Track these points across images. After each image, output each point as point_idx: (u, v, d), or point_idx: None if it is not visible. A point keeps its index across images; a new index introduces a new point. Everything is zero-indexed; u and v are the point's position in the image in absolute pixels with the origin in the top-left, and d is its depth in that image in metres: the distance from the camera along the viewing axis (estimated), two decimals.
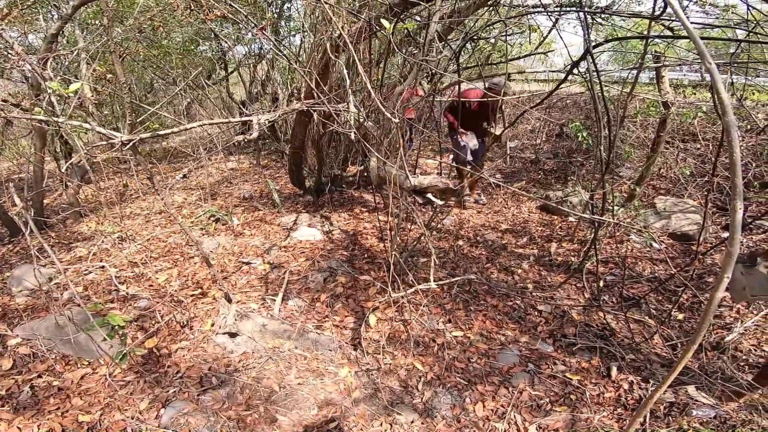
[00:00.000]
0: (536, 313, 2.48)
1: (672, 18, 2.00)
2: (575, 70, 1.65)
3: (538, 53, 3.26)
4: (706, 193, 2.95)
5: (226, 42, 5.54)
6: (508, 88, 3.24)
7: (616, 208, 3.34)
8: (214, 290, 2.60)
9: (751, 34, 1.86)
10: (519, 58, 4.22)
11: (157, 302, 2.42)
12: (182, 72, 5.85)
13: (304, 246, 3.24)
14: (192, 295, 2.56)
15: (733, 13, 2.70)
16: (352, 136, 1.65)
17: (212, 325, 2.32)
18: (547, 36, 2.31)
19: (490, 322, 2.42)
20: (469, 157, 3.76)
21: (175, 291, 2.60)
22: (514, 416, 1.83)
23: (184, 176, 4.67)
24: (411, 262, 2.93)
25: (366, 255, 3.06)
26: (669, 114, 3.09)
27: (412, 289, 1.94)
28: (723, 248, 2.86)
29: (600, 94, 1.99)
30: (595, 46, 1.78)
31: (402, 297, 2.42)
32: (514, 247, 3.25)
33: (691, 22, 1.77)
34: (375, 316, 2.41)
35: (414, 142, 5.96)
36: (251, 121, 1.29)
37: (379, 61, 3.63)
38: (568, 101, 6.05)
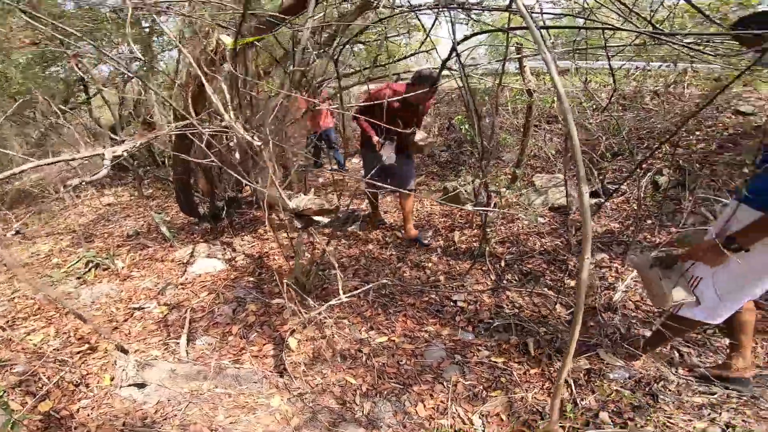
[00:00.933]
0: (452, 303, 2.53)
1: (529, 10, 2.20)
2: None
3: (421, 51, 3.39)
4: (565, 168, 3.34)
5: (80, 62, 4.87)
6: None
7: (503, 190, 3.63)
8: (104, 343, 2.26)
9: (587, 21, 2.10)
10: (405, 57, 4.34)
11: (36, 365, 2.04)
12: (28, 97, 5.00)
13: (205, 279, 2.96)
14: (79, 352, 2.22)
15: (575, 2, 3.04)
16: (237, 155, 1.54)
17: (112, 379, 2.04)
18: (428, 35, 2.39)
19: (411, 321, 2.43)
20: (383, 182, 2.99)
21: (56, 350, 2.23)
22: (456, 409, 1.84)
23: (17, 232, 3.94)
24: (323, 275, 2.86)
25: (276, 277, 2.91)
26: (533, 101, 3.44)
27: (325, 306, 1.88)
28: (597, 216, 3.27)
29: (467, 87, 2.11)
30: (459, 42, 1.88)
31: (318, 314, 2.35)
32: (425, 253, 3.35)
33: (543, 12, 1.96)
34: (295, 339, 2.30)
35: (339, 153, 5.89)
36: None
37: (268, 72, 3.47)
38: (453, 95, 6.46)
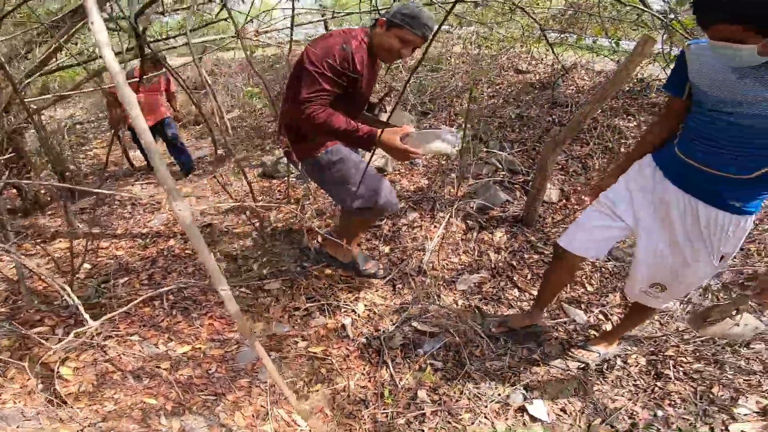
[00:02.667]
0: (265, 293, 2.29)
1: None
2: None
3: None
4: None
5: None
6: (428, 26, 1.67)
7: None
8: None
9: None
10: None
11: None
12: None
13: None
14: None
15: None
16: None
17: None
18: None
19: (219, 323, 2.10)
20: (393, 200, 2.02)
21: None
22: (277, 412, 1.65)
23: None
24: (104, 288, 2.33)
25: (41, 298, 2.27)
26: None
27: (95, 323, 1.47)
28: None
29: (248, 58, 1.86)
30: None
31: (93, 335, 1.90)
32: (235, 226, 3.02)
33: None
34: (69, 367, 1.83)
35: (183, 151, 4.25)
36: None
37: None
38: (265, 64, 5.93)
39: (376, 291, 2.32)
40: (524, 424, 1.65)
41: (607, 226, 1.55)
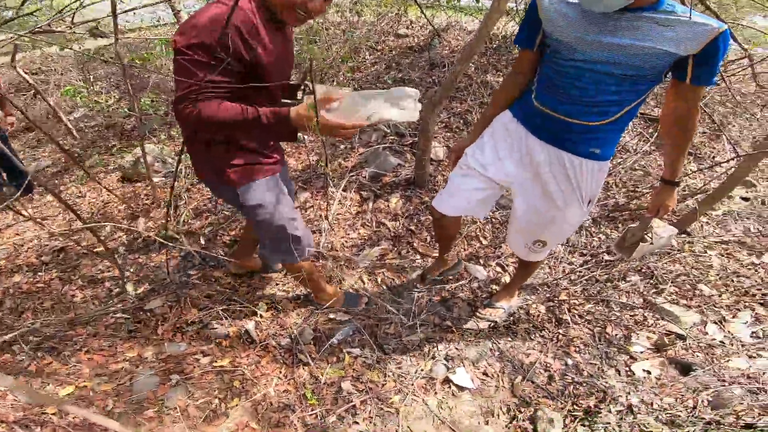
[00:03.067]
0: (148, 314, 1.99)
1: None
2: None
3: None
4: None
5: None
6: None
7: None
8: None
9: None
10: None
11: None
12: None
13: None
14: None
15: None
16: None
17: None
18: None
19: (99, 356, 1.79)
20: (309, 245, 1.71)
21: None
22: None
23: None
24: None
25: None
26: None
27: None
28: None
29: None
30: None
31: None
32: (95, 245, 2.56)
33: None
34: None
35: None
36: None
37: None
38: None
39: (276, 285, 2.15)
40: (453, 394, 1.67)
41: (480, 188, 1.56)
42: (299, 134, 1.31)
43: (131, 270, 2.28)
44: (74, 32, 1.93)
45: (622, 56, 1.14)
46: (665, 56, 1.12)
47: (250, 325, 1.92)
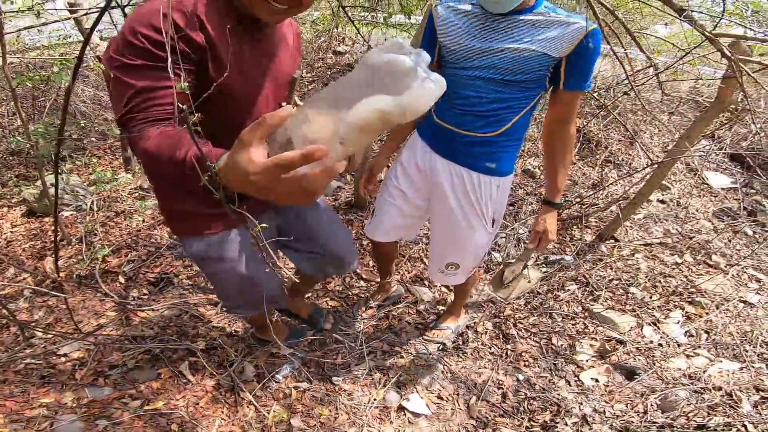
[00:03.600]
0: (63, 358, 1.77)
1: None
2: None
3: None
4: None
5: None
6: None
7: (111, 178, 2.84)
8: None
9: None
10: None
11: None
12: None
13: None
14: None
15: None
16: None
17: None
18: None
19: (12, 402, 1.56)
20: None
21: None
22: None
23: None
24: None
25: None
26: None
27: None
28: None
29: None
30: None
31: None
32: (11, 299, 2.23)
33: None
34: None
35: None
36: None
37: None
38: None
39: (209, 322, 1.98)
40: (409, 422, 1.61)
41: (406, 213, 1.56)
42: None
43: (41, 314, 2.01)
44: None
45: (501, 60, 1.15)
46: (541, 58, 1.12)
47: (183, 365, 1.74)
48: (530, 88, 1.20)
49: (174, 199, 1.13)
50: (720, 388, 1.66)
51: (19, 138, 2.64)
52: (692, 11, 1.73)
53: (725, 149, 3.86)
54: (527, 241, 1.46)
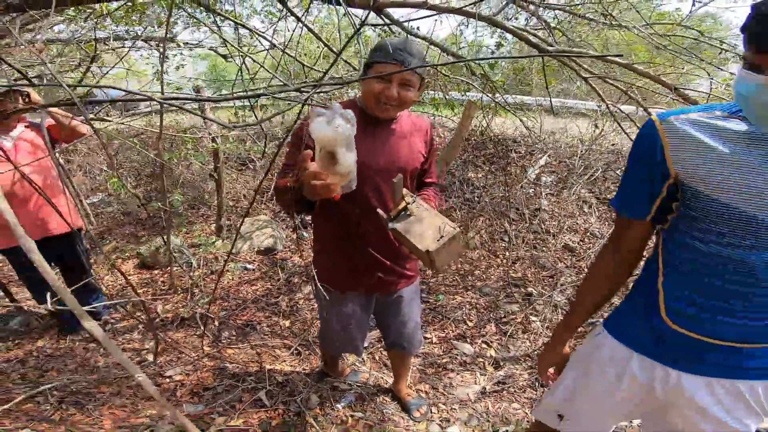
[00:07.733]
0: (167, 380, 2.29)
1: None
2: None
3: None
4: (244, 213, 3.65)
5: None
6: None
7: (209, 242, 3.58)
8: None
9: None
10: None
11: None
12: None
13: None
14: None
15: None
16: None
17: None
18: None
19: (121, 411, 2.05)
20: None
21: None
22: None
23: None
24: None
25: None
26: (218, 146, 3.44)
27: None
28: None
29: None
30: None
31: None
32: (127, 331, 2.89)
33: None
34: None
35: None
36: None
37: None
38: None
39: (284, 362, 2.50)
40: None
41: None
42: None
43: (151, 344, 2.61)
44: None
45: None
46: None
47: (262, 393, 2.23)
48: None
49: (326, 263, 1.66)
50: None
51: (159, 204, 3.34)
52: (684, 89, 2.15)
53: None
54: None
